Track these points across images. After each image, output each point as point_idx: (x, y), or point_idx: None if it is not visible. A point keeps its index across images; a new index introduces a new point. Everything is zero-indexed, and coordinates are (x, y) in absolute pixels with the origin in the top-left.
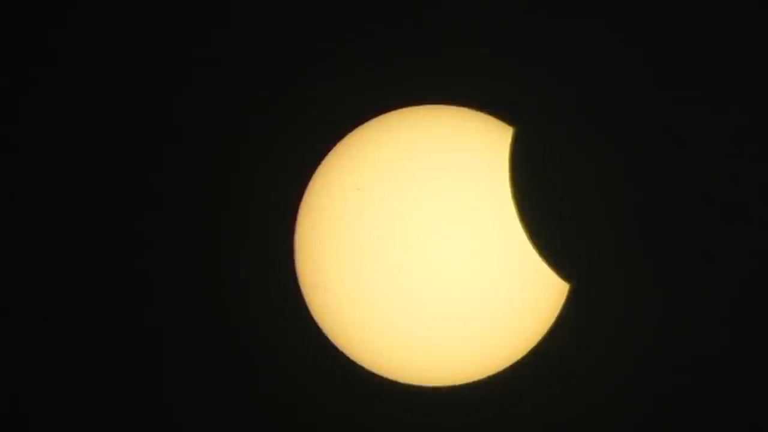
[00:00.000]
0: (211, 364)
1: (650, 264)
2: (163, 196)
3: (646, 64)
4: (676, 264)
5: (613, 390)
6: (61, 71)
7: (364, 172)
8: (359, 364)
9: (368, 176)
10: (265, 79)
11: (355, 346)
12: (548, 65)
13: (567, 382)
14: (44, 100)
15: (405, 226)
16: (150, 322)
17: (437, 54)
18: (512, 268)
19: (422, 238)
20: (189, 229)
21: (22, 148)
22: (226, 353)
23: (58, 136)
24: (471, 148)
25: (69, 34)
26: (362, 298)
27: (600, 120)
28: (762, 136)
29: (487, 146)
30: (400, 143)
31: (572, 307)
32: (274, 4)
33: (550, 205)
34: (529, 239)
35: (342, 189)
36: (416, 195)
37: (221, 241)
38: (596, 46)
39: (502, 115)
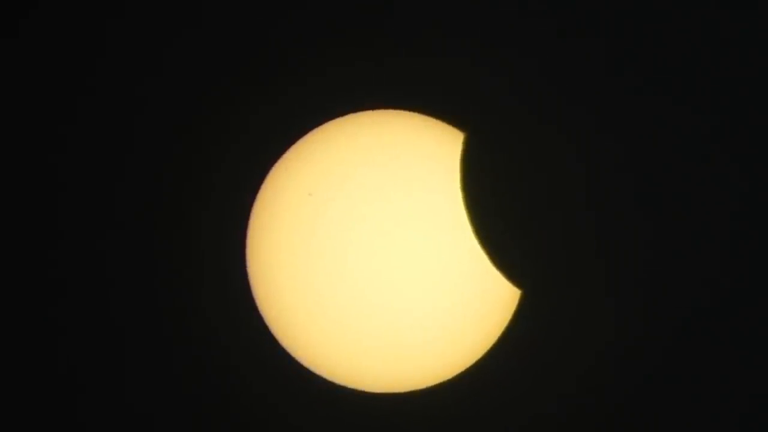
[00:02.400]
0: (163, 374)
1: (602, 271)
2: (114, 199)
3: (600, 69)
4: (629, 272)
5: (563, 397)
6: (18, 57)
7: (316, 177)
8: (309, 368)
9: (320, 182)
10: (215, 86)
11: (305, 351)
12: (500, 70)
13: (518, 389)
14: (3, 83)
15: (357, 231)
16: (101, 326)
17: (388, 59)
18: (463, 275)
19: (374, 243)
20: (140, 232)
21: None
22: (177, 362)
23: (10, 125)
24: (422, 154)
25: (32, 16)
26: (313, 305)
27: (552, 125)
28: (722, 147)
29: (439, 152)
30: (352, 149)
31: (523, 313)
32: (228, 10)
33: (502, 211)
34: (480, 245)
35: (294, 194)
36: (368, 200)
37: (172, 246)
38: (548, 51)
39: (454, 121)
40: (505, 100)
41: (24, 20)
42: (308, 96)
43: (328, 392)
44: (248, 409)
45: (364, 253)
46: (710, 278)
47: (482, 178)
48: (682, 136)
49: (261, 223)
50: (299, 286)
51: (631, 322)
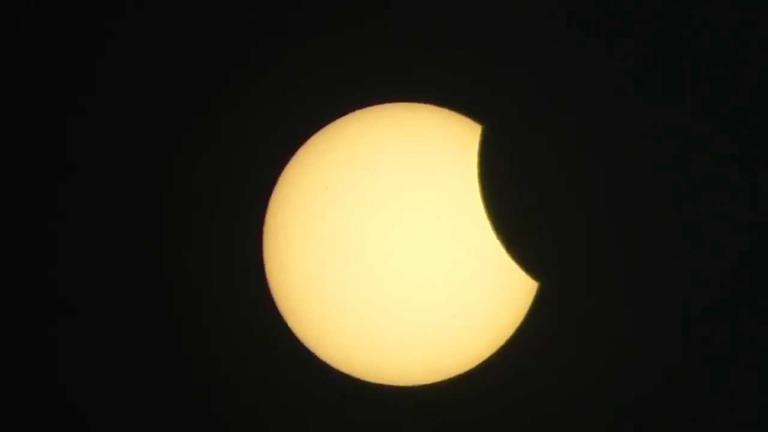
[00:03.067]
0: (179, 368)
1: (619, 262)
2: (130, 194)
3: (617, 62)
4: (645, 263)
5: (580, 388)
6: (25, 55)
7: (333, 170)
8: (327, 362)
9: (337, 175)
10: (232, 79)
11: (323, 344)
12: (517, 63)
13: (535, 381)
14: (7, 83)
15: (373, 225)
16: (117, 324)
17: (406, 52)
18: (481, 267)
19: (391, 236)
20: (157, 228)
21: None
22: (192, 354)
23: (22, 124)
24: (440, 146)
25: (34, 15)
26: (331, 298)
27: (569, 118)
28: (738, 137)
29: (456, 144)
30: (369, 142)
31: (541, 305)
32: (243, 3)
33: (519, 203)
34: (497, 237)
35: (310, 188)
36: (385, 194)
37: (189, 241)
38: (565, 44)
39: (472, 113)
40: (523, 93)
41: (26, 23)
42: (325, 89)
43: (344, 385)
44: (264, 402)
45: (380, 246)
46: (729, 271)
47: (500, 170)
48: (701, 131)
49: (277, 216)
50: (315, 278)
51: (648, 315)
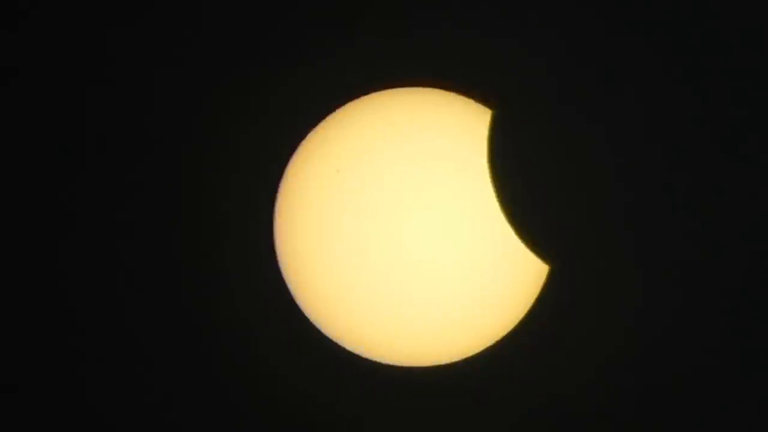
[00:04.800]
0: (192, 353)
1: (631, 247)
2: (140, 183)
3: (628, 47)
4: (657, 247)
5: (591, 372)
6: (32, 57)
7: (344, 154)
8: (339, 344)
9: (348, 159)
10: (243, 62)
11: (335, 326)
12: (528, 47)
13: (546, 364)
14: (16, 83)
15: (385, 208)
16: (128, 312)
17: (416, 36)
18: (492, 250)
19: (402, 220)
20: (166, 215)
21: None
22: (205, 340)
23: (32, 123)
24: (450, 131)
25: (38, 15)
26: (343, 280)
27: (580, 102)
28: (744, 122)
29: (467, 129)
30: (379, 126)
31: (552, 289)
32: None
33: (530, 187)
34: (508, 221)
35: (321, 171)
36: (396, 177)
37: (200, 226)
38: (576, 28)
39: (482, 98)
40: (533, 77)
41: (28, 22)
42: (336, 74)
43: (357, 366)
44: (275, 383)
45: (391, 230)
46: (739, 258)
47: (510, 154)
48: (716, 118)
49: (289, 200)
50: (327, 262)
51: (659, 298)
